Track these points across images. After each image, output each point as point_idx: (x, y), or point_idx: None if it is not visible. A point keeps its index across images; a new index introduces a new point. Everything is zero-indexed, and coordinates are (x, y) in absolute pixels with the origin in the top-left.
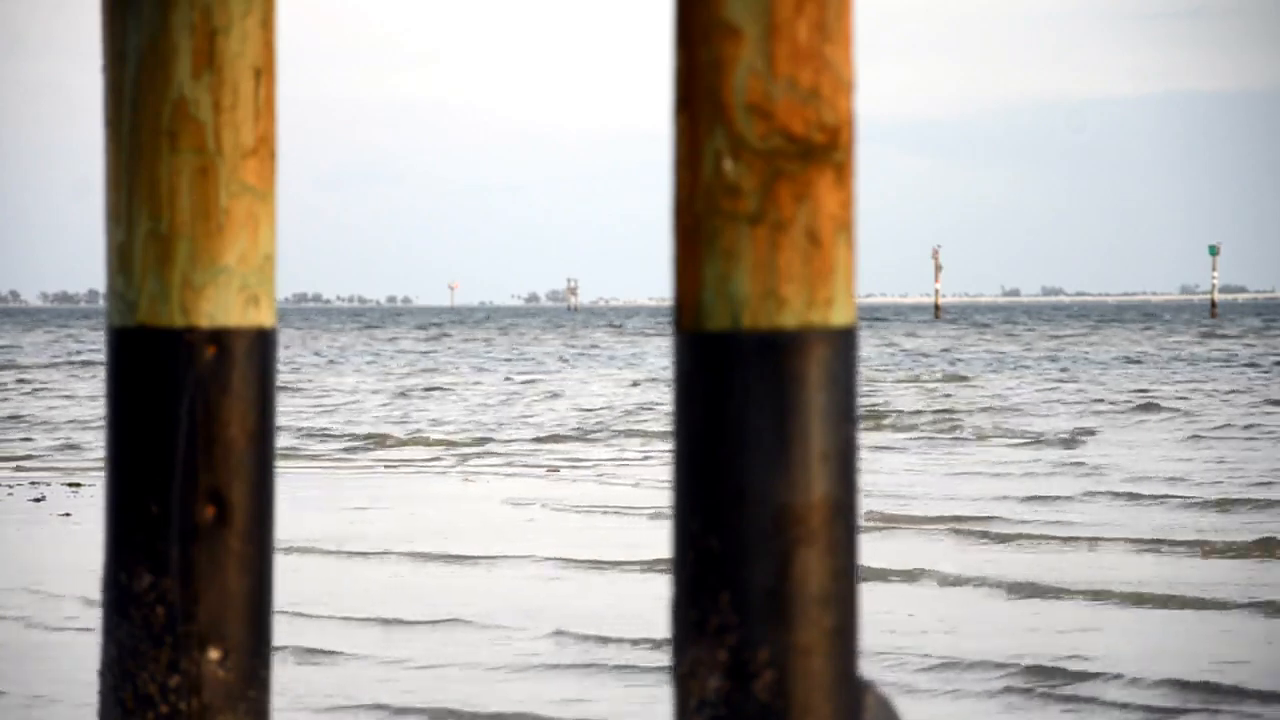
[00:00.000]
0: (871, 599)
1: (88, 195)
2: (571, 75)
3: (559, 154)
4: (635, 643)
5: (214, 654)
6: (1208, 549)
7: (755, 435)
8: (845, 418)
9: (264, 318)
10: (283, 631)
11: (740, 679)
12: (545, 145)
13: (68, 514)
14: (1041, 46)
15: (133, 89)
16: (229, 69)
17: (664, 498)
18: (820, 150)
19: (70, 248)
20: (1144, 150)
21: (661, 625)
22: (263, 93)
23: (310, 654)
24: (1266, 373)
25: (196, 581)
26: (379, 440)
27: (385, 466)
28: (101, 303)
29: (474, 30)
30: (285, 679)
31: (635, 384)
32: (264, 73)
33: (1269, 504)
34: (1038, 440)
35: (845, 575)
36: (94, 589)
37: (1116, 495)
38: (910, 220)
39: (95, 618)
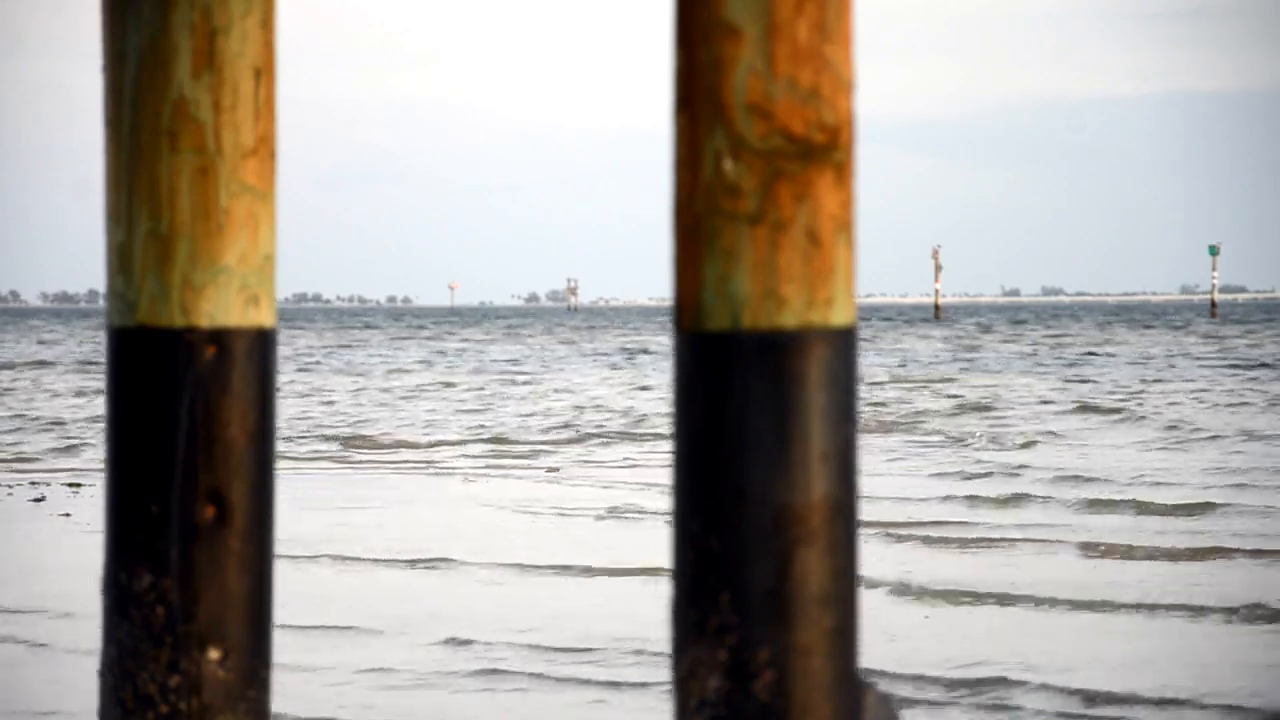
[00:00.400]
0: None
1: (88, 195)
2: (571, 75)
3: (559, 154)
4: (533, 648)
5: (214, 654)
6: (1109, 550)
7: (755, 435)
8: (845, 418)
9: (264, 318)
10: None
11: (740, 679)
12: (545, 145)
13: (68, 514)
14: (1041, 46)
15: (133, 89)
16: (229, 69)
17: (628, 499)
18: (820, 150)
19: (70, 248)
20: (1144, 150)
21: (571, 630)
22: (263, 93)
23: None
24: (1274, 373)
25: (196, 581)
26: (354, 441)
27: (363, 467)
28: (101, 303)
29: (474, 30)
30: None
31: (643, 387)
32: (264, 73)
33: (1204, 509)
34: (996, 441)
35: (845, 575)
36: (94, 590)
37: (1037, 498)
38: (910, 220)
39: (95, 618)
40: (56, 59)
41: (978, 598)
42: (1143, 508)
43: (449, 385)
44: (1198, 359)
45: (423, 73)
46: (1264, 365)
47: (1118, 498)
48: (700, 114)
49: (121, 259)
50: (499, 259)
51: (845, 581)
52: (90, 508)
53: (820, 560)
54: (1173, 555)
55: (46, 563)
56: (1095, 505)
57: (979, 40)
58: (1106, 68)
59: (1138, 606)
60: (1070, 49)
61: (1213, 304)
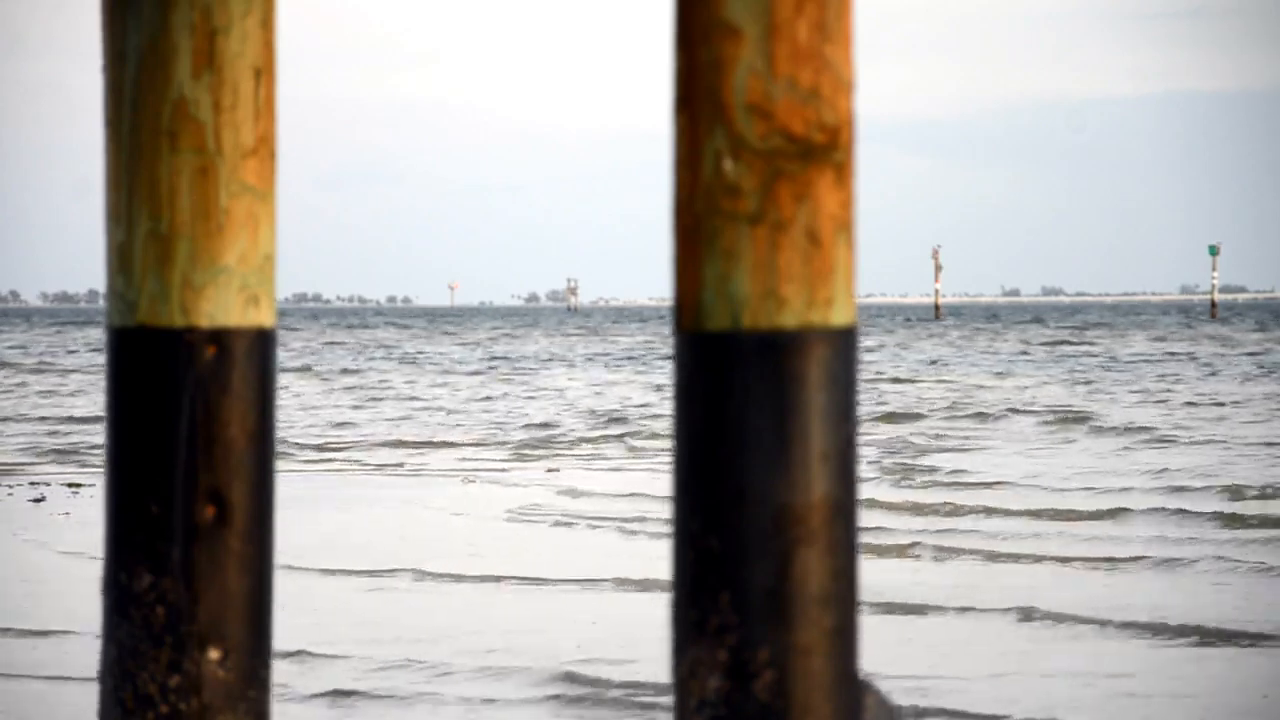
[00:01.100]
0: (627, 608)
1: (88, 195)
2: (571, 75)
3: (559, 154)
4: (340, 659)
5: (214, 654)
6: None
7: (755, 435)
8: (845, 418)
9: (264, 318)
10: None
11: (740, 679)
12: (545, 145)
13: (67, 514)
14: (1041, 46)
15: (133, 89)
16: (229, 69)
17: (579, 505)
18: (820, 150)
19: (70, 248)
20: (1144, 150)
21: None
22: (263, 93)
23: None
24: (1263, 373)
25: (196, 581)
26: (341, 443)
27: (354, 468)
28: (101, 303)
29: (474, 30)
30: None
31: (643, 387)
32: (264, 73)
33: (1107, 515)
34: (921, 445)
35: (845, 575)
36: (93, 590)
37: (908, 504)
38: (910, 220)
39: (95, 619)
40: (56, 59)
41: None
42: (1036, 514)
43: (445, 386)
44: (1192, 360)
45: (423, 73)
46: (1260, 368)
47: (1003, 505)
48: (700, 114)
49: (121, 259)
50: (499, 259)
51: (845, 581)
52: (90, 508)
53: (820, 560)
54: (993, 558)
55: (45, 563)
56: (974, 512)
57: (979, 40)
58: (1106, 68)
59: (930, 608)
60: (1070, 49)
61: (1213, 304)
